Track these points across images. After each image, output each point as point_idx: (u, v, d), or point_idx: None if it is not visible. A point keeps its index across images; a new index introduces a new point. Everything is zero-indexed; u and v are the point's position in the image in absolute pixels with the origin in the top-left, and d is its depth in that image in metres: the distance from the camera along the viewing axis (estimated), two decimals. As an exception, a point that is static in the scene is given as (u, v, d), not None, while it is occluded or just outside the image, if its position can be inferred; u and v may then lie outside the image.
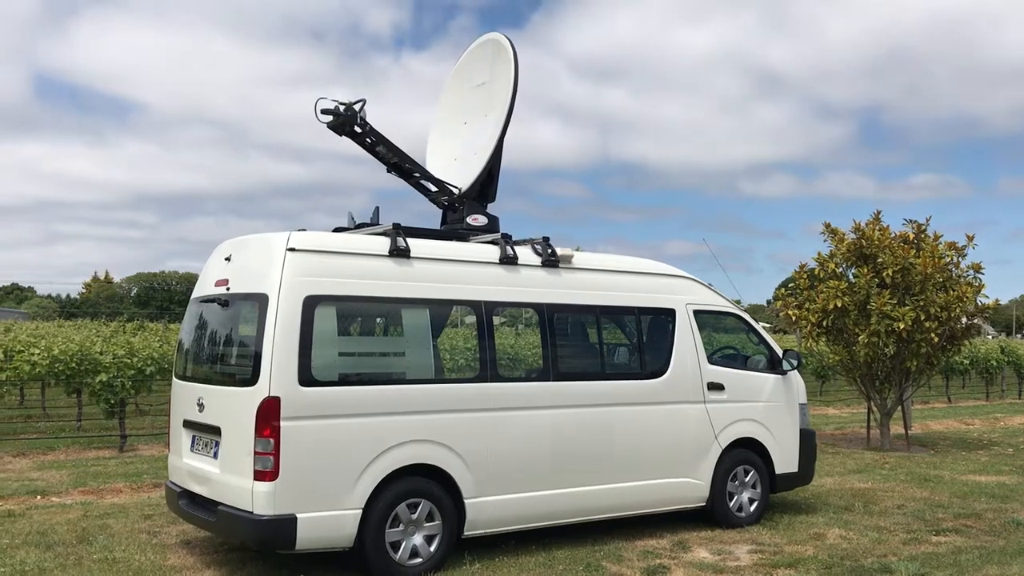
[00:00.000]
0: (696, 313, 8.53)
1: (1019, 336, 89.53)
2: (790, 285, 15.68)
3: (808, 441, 9.18)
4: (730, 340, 9.65)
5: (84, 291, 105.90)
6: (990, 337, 53.64)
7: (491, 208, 8.39)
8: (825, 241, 14.98)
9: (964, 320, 14.04)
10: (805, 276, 14.90)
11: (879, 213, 14.60)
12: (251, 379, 6.32)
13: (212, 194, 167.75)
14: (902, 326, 13.32)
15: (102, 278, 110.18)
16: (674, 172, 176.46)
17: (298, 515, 6.22)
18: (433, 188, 8.25)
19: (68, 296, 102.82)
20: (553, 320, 7.68)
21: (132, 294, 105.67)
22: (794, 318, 14.66)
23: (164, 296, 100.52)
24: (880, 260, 13.83)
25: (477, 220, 8.16)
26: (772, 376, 8.95)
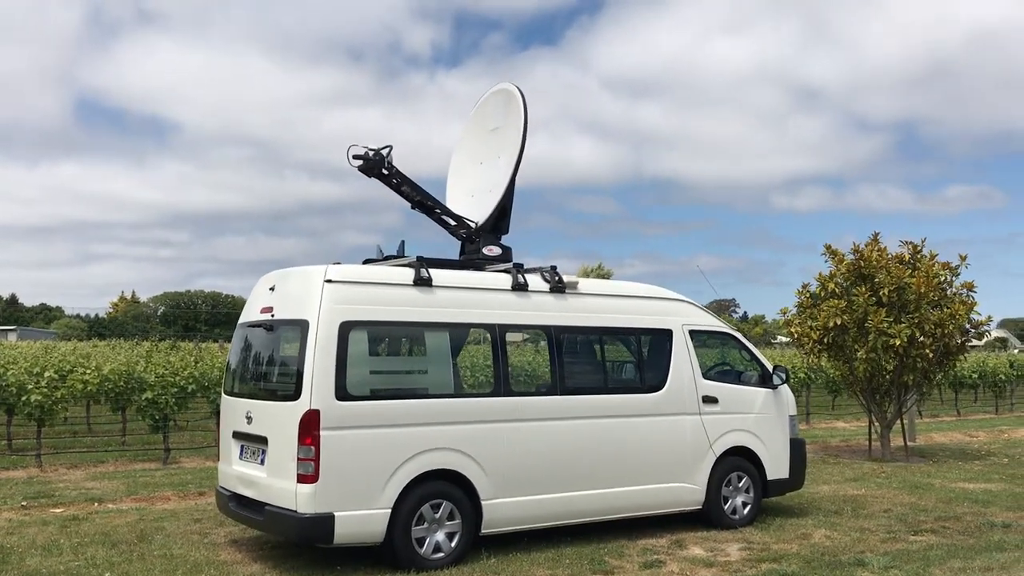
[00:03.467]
0: (692, 333, 9.41)
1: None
2: (794, 304, 16.48)
3: (798, 449, 10.01)
4: (724, 357, 10.51)
5: (111, 311, 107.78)
6: (1015, 351, 53.89)
7: (504, 239, 9.36)
8: (826, 262, 15.78)
9: (959, 337, 14.79)
10: (808, 295, 15.72)
11: (877, 235, 15.40)
12: (294, 395, 7.29)
13: (245, 213, 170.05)
14: (898, 343, 14.09)
15: (129, 297, 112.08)
16: (706, 187, 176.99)
17: (336, 513, 7.16)
18: (452, 222, 9.22)
19: (96, 316, 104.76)
20: (561, 340, 8.60)
21: (159, 313, 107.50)
22: (796, 335, 15.47)
23: (190, 315, 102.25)
24: (877, 280, 14.61)
25: (492, 251, 9.11)
26: (763, 390, 9.80)
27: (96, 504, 10.59)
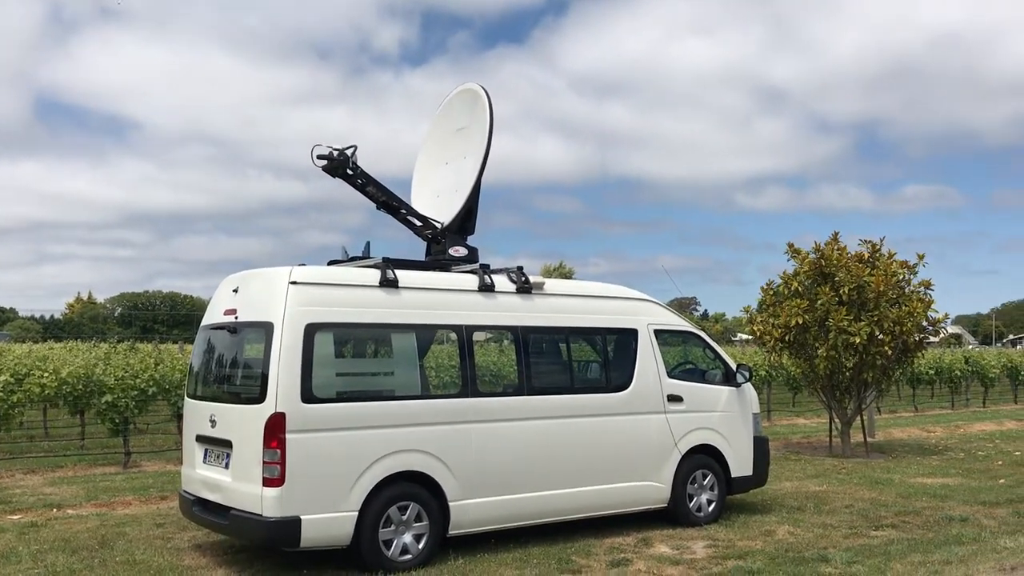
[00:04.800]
0: (656, 332, 9.49)
1: (999, 345, 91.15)
2: (758, 300, 16.67)
3: (761, 447, 10.14)
4: (689, 356, 10.61)
5: (67, 312, 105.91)
6: (971, 347, 54.99)
7: (470, 240, 9.36)
8: (789, 260, 15.99)
9: (916, 334, 15.06)
10: (771, 294, 15.92)
11: (837, 234, 15.63)
12: (259, 397, 7.23)
13: (207, 212, 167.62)
14: (858, 340, 14.32)
15: (86, 298, 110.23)
16: (671, 186, 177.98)
17: (302, 517, 7.11)
18: (418, 223, 9.20)
19: (52, 317, 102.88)
20: (527, 341, 8.63)
21: (116, 314, 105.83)
22: (759, 333, 15.65)
23: (148, 316, 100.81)
24: (838, 278, 14.83)
25: (458, 252, 9.11)
26: (727, 388, 9.91)
27: (55, 510, 10.40)
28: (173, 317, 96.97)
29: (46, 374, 13.93)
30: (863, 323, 14.43)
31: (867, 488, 11.90)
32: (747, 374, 10.03)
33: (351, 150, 8.57)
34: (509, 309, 8.58)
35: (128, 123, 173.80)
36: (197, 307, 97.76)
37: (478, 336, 8.79)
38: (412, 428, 7.68)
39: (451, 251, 9.08)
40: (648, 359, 9.28)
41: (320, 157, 8.51)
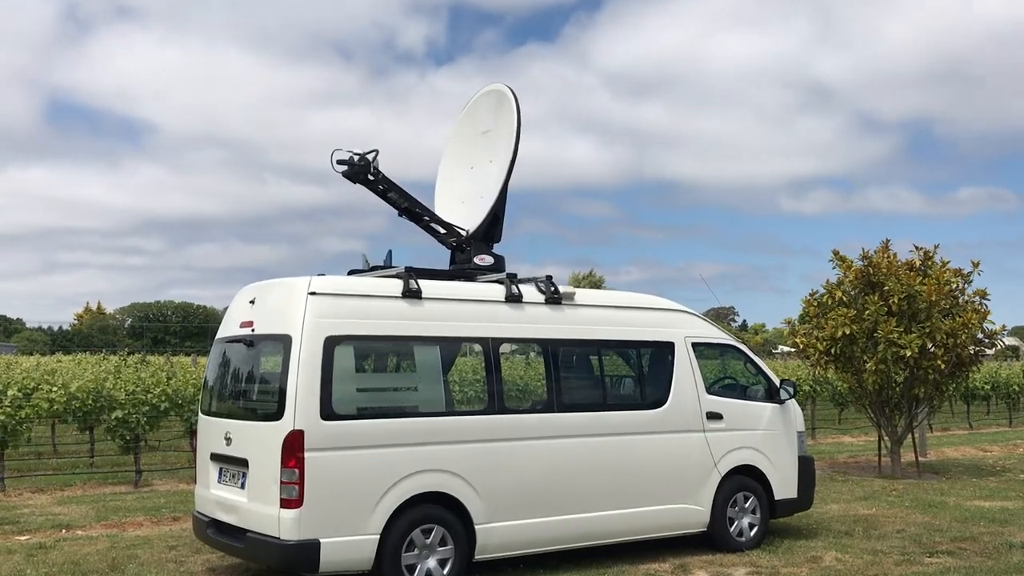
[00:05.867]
0: (694, 345, 9.42)
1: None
2: (800, 312, 16.53)
3: (806, 467, 10.04)
4: (729, 370, 10.53)
5: (76, 323, 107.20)
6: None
7: (496, 248, 9.36)
8: (834, 268, 15.84)
9: (971, 347, 14.87)
10: (814, 304, 15.77)
11: (888, 241, 15.44)
12: (276, 414, 7.25)
13: (222, 218, 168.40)
14: (908, 353, 14.15)
15: (95, 308, 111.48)
16: (709, 189, 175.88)
17: (321, 540, 7.12)
18: (442, 230, 9.22)
19: (60, 328, 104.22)
20: (557, 354, 8.61)
21: (126, 325, 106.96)
22: (802, 345, 15.52)
23: (159, 327, 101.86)
24: (887, 288, 14.67)
25: (484, 260, 9.12)
26: (769, 405, 9.82)
27: (64, 531, 10.50)
28: (186, 328, 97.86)
29: (55, 388, 14.08)
30: (914, 335, 14.26)
31: (920, 511, 11.74)
32: (791, 390, 9.94)
33: (372, 154, 8.61)
34: (538, 321, 8.56)
35: (141, 126, 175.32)
36: (211, 318, 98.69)
37: (504, 349, 8.78)
38: (436, 446, 7.67)
39: (476, 260, 9.09)
40: (685, 374, 9.22)
41: (340, 162, 8.55)
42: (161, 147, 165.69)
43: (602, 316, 9.01)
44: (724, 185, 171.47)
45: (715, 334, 9.83)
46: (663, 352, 9.27)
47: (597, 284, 62.40)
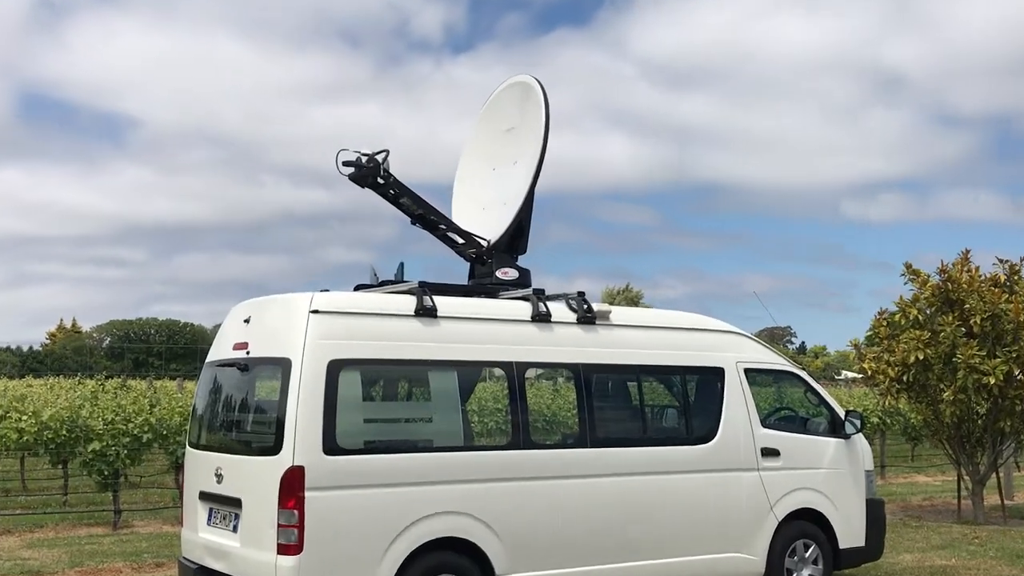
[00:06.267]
0: (747, 371, 9.38)
1: None
2: (867, 334, 16.45)
3: (876, 512, 9.97)
4: (786, 400, 10.48)
5: (48, 342, 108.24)
6: None
7: (522, 260, 9.37)
8: (906, 284, 15.74)
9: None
10: (884, 324, 15.67)
11: (967, 252, 15.35)
12: (273, 448, 7.27)
13: (213, 225, 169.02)
14: (992, 381, 14.01)
15: (69, 326, 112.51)
16: (762, 192, 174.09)
17: (323, 591, 7.13)
18: (460, 240, 9.25)
19: (30, 348, 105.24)
20: (590, 381, 8.60)
21: (104, 345, 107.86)
22: (870, 371, 15.41)
23: (141, 348, 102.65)
24: (968, 306, 14.54)
25: (507, 274, 9.13)
26: (833, 440, 9.76)
27: (34, 577, 10.58)
28: (171, 349, 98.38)
29: (24, 417, 14.24)
30: (999, 360, 14.12)
31: (1006, 563, 11.61)
32: (858, 423, 9.87)
33: (382, 155, 8.65)
34: (568, 343, 8.56)
35: (123, 121, 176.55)
36: (199, 337, 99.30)
37: (530, 375, 8.79)
38: (453, 485, 7.67)
39: (499, 273, 9.11)
40: (737, 404, 9.18)
41: (347, 164, 8.60)
42: (145, 145, 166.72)
43: (641, 338, 8.99)
44: (779, 188, 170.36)
45: (771, 358, 9.79)
46: (711, 379, 9.24)
47: (634, 300, 62.27)
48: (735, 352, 9.42)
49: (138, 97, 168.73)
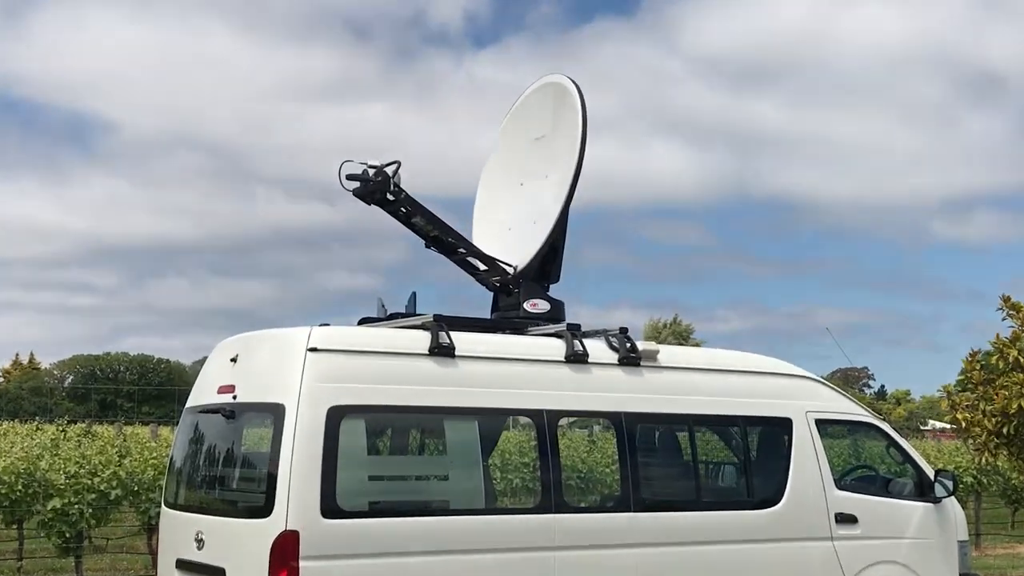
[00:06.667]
0: (819, 423, 9.32)
1: None
2: (960, 378, 16.29)
3: (970, 589, 9.85)
4: (865, 457, 10.40)
5: (1, 380, 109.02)
6: None
7: (554, 290, 9.37)
8: (1004, 319, 15.60)
9: None
10: (979, 367, 15.53)
11: (1076, 281, 15.22)
12: (263, 509, 7.25)
13: (196, 245, 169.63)
14: (1109, 435, 13.85)
15: (26, 362, 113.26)
16: (836, 210, 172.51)
17: None
18: (482, 266, 9.26)
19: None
20: (634, 433, 8.55)
21: (66, 384, 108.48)
22: (964, 423, 15.26)
23: (109, 388, 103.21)
24: (1079, 346, 14.41)
25: (537, 306, 9.12)
26: (920, 504, 9.68)
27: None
28: (144, 390, 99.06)
29: (-25, 469, 14.28)
30: (1117, 411, 13.96)
31: None
32: (950, 484, 9.78)
33: (393, 168, 8.68)
34: (609, 388, 8.53)
35: (94, 124, 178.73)
36: (176, 376, 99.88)
37: (564, 424, 8.75)
38: (473, 555, 7.61)
39: (527, 306, 9.09)
40: (808, 461, 9.11)
41: (351, 178, 8.63)
42: (120, 152, 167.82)
43: (694, 382, 8.95)
44: (856, 204, 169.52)
45: (847, 408, 9.75)
46: (777, 432, 9.19)
47: (683, 336, 61.93)
48: (804, 400, 9.36)
49: (111, 96, 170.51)
